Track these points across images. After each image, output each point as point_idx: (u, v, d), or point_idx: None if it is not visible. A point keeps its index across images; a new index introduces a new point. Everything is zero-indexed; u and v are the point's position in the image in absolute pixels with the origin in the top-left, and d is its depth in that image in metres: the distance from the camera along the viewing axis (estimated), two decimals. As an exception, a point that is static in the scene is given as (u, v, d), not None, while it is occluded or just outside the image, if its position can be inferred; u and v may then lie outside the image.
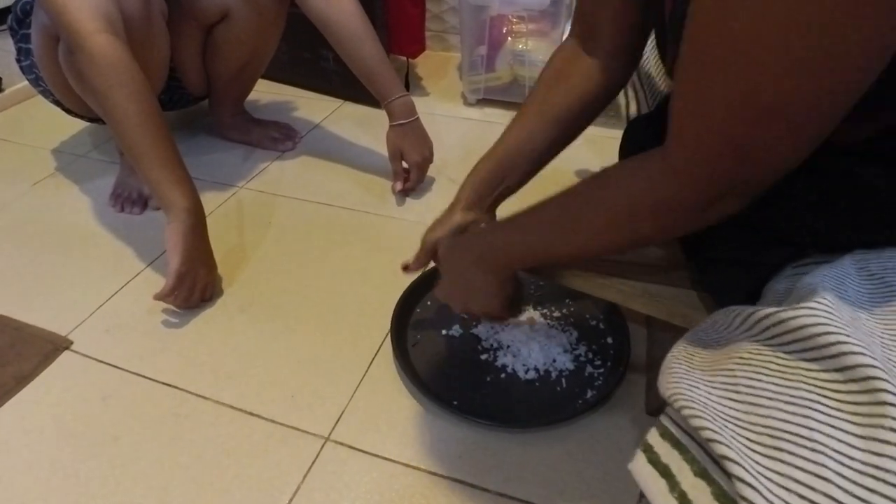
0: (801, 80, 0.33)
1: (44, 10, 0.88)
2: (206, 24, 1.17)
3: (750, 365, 0.35)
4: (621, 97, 1.04)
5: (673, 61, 0.55)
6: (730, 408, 0.33)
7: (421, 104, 1.19)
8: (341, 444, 0.72)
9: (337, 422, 0.75)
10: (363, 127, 1.44)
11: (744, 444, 0.31)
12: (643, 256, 0.63)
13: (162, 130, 0.87)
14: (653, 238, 0.49)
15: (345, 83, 1.42)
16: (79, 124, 1.40)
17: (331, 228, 1.10)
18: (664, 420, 0.37)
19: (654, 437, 0.36)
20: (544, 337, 0.82)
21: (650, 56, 0.87)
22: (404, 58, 1.57)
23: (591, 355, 0.81)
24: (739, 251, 0.49)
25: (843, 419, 0.30)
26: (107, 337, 0.88)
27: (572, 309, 0.88)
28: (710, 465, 0.32)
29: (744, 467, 0.29)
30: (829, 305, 0.34)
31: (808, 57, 0.32)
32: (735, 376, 0.35)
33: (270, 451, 0.72)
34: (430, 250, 0.75)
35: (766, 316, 0.36)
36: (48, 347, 0.85)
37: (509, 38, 1.42)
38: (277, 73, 1.60)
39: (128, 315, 0.92)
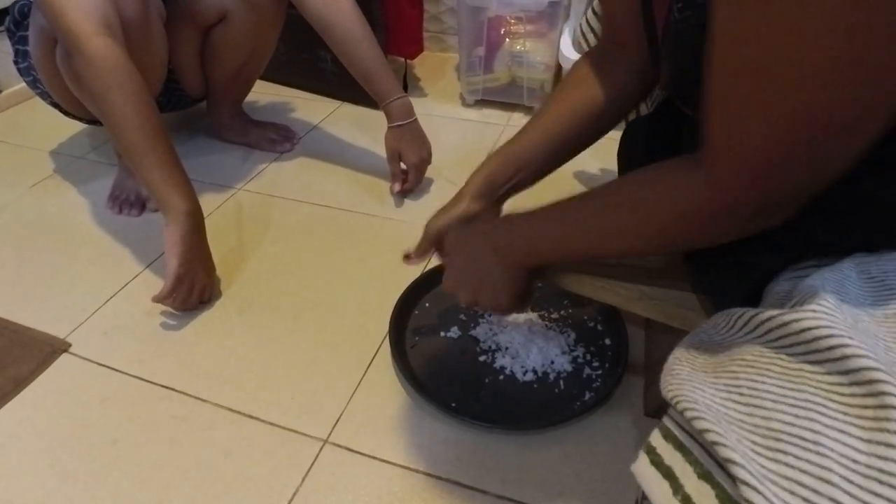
0: (850, 91, 0.32)
1: (41, 13, 0.88)
2: (203, 25, 1.17)
3: (753, 367, 0.35)
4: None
5: (668, 75, 0.55)
6: (733, 410, 0.33)
7: (419, 105, 1.19)
8: (340, 446, 0.72)
9: (335, 424, 0.75)
10: (361, 128, 1.44)
11: (748, 447, 0.31)
12: (642, 259, 0.63)
13: (160, 132, 0.87)
14: (687, 245, 0.48)
15: (343, 84, 1.42)
16: (77, 126, 1.40)
17: (329, 230, 1.10)
18: (667, 422, 0.36)
19: (656, 438, 0.36)
20: (542, 339, 0.82)
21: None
22: (402, 59, 1.57)
23: (589, 357, 0.81)
24: (738, 255, 0.48)
25: (847, 422, 0.30)
26: (105, 339, 0.88)
27: (570, 310, 0.88)
28: (714, 467, 0.32)
29: (748, 470, 0.29)
30: (831, 308, 0.34)
31: (855, 64, 0.31)
32: (738, 378, 0.35)
33: (269, 454, 0.72)
34: (433, 239, 0.72)
35: (769, 318, 0.36)
36: (46, 350, 0.85)
37: (507, 40, 1.42)
38: (275, 75, 1.60)
39: (126, 317, 0.92)
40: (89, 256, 1.04)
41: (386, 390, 0.79)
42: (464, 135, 1.41)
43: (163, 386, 0.81)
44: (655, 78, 0.66)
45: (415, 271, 0.94)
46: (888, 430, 0.28)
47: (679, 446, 0.34)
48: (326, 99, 1.58)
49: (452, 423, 0.74)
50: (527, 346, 0.81)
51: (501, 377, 0.79)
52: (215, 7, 1.13)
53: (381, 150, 1.18)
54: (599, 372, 0.79)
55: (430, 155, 1.17)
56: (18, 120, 1.52)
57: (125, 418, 0.76)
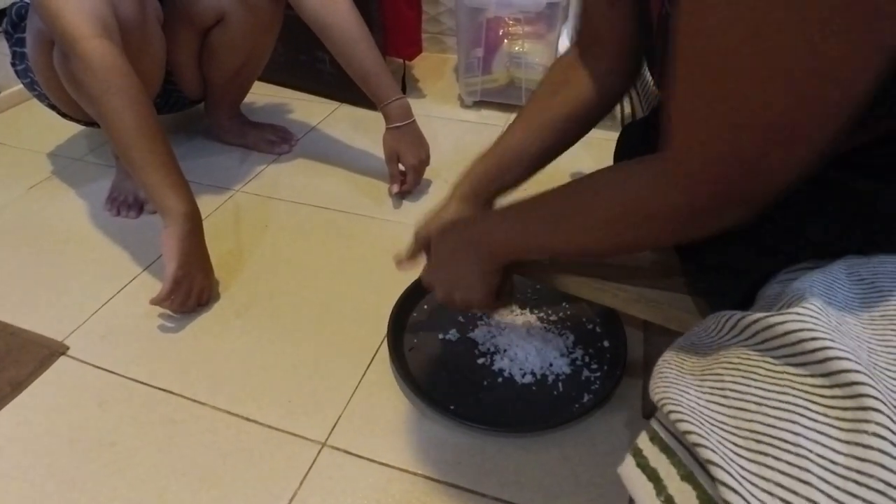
0: (807, 90, 0.32)
1: (38, 15, 0.88)
2: (201, 27, 1.16)
3: (738, 370, 0.35)
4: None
5: (662, 71, 0.55)
6: (717, 412, 0.33)
7: (417, 106, 1.19)
8: (338, 449, 0.72)
9: (334, 427, 0.75)
10: (359, 129, 1.44)
11: (729, 449, 0.31)
12: (639, 261, 0.64)
13: (158, 134, 0.87)
14: (647, 243, 0.49)
15: (341, 85, 1.42)
16: (75, 128, 1.40)
17: (327, 231, 1.10)
18: (654, 424, 0.37)
19: (643, 441, 0.36)
20: (541, 341, 0.82)
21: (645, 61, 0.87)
22: (401, 60, 1.57)
23: (587, 359, 0.81)
24: (733, 258, 0.49)
25: (827, 424, 0.30)
26: (103, 342, 0.88)
27: (569, 312, 0.88)
28: (697, 469, 0.32)
29: (728, 472, 0.30)
30: (816, 311, 0.34)
31: (813, 66, 0.31)
32: (723, 381, 0.35)
33: (267, 457, 0.72)
34: (422, 243, 0.74)
35: (755, 321, 0.36)
36: (44, 353, 0.85)
37: (506, 41, 1.42)
38: (273, 76, 1.60)
39: (124, 320, 0.92)
40: (87, 258, 1.04)
41: (384, 393, 0.79)
42: (462, 136, 1.41)
43: (161, 389, 0.80)
44: (635, 73, 0.67)
45: (413, 273, 0.94)
46: (866, 432, 0.28)
47: (664, 448, 0.35)
48: (324, 100, 1.58)
49: (451, 426, 0.74)
50: (525, 349, 0.81)
51: (500, 379, 0.79)
52: (213, 9, 1.13)
53: (379, 152, 1.18)
54: (598, 374, 0.79)
55: (428, 156, 1.17)
56: (16, 122, 1.52)
57: (123, 421, 0.76)
